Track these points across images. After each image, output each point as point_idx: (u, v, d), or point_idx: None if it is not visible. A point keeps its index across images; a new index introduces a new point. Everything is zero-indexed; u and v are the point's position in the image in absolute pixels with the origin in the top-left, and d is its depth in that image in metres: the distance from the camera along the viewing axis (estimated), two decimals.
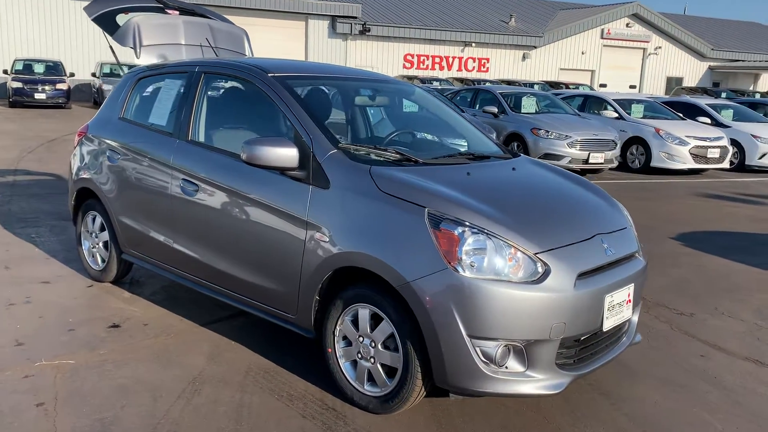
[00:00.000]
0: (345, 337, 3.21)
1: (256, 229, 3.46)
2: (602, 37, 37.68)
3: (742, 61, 41.36)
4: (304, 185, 3.28)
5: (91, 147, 4.75)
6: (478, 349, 2.78)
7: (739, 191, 11.32)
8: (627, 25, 37.99)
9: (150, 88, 4.58)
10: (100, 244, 4.75)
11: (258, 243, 3.45)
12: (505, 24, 36.27)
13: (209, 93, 4.07)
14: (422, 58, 34.21)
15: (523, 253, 2.84)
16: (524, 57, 36.22)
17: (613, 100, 14.35)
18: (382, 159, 3.36)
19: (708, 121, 14.47)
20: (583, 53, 37.65)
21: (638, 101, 14.51)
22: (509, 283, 2.77)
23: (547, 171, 3.84)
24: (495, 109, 12.78)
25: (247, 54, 5.47)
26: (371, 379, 3.12)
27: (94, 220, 4.80)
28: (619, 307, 3.14)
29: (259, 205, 3.42)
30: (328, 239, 3.13)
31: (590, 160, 11.75)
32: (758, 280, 5.69)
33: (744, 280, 5.67)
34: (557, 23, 37.23)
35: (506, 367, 2.84)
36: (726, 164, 13.23)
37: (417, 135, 4.17)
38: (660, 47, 39.24)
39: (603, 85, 37.34)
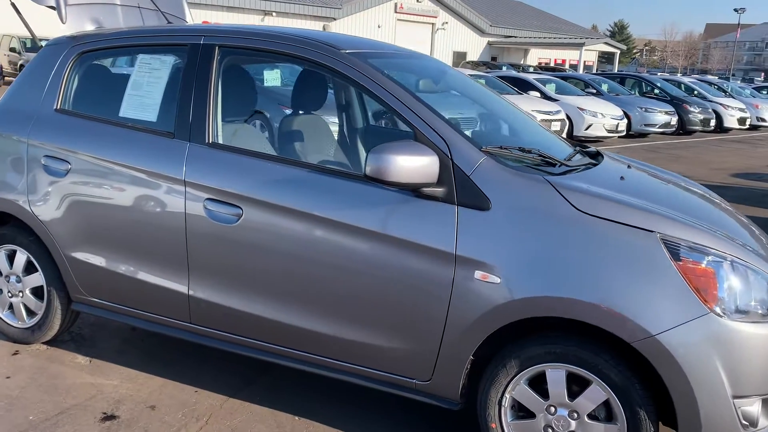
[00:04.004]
0: (515, 407, 2.42)
1: (361, 269, 2.47)
2: (396, 11, 38.36)
3: (515, 37, 44.86)
4: (444, 206, 2.38)
5: (3, 151, 3.24)
6: (739, 411, 2.19)
7: None
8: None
9: (103, 68, 3.22)
10: (27, 291, 3.31)
11: (366, 289, 2.48)
12: None
13: (231, 77, 2.89)
14: None
15: None
16: (324, 29, 35.66)
17: None
18: (531, 163, 2.57)
19: (538, 95, 15.14)
20: (379, 27, 38.01)
21: (478, 76, 14.69)
22: None
23: (646, 167, 3.33)
24: None
25: (188, 20, 4.19)
26: None
27: (11, 257, 3.32)
28: None
29: (368, 236, 2.44)
30: (499, 280, 2.29)
31: None
32: None
33: None
34: None
35: (758, 426, 2.28)
36: (564, 136, 13.93)
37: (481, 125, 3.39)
38: (447, 23, 40.98)
39: None
